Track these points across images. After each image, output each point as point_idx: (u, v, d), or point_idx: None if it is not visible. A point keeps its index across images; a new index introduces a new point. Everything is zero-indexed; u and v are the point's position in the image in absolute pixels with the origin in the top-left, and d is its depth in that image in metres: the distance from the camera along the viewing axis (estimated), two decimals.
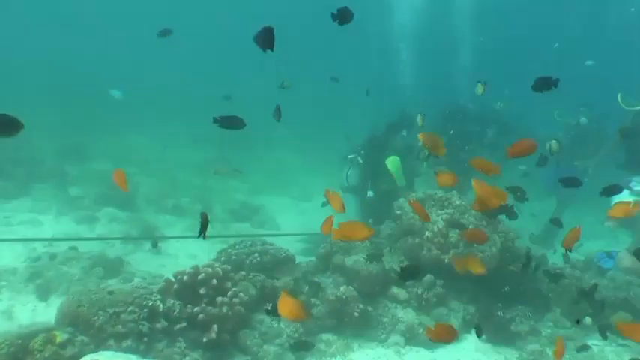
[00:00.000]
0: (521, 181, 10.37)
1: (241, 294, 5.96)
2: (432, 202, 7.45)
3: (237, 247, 7.32)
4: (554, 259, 9.27)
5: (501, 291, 7.05)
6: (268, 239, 7.83)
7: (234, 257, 7.11)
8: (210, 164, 15.55)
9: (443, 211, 7.15)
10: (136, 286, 5.81)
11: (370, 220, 9.23)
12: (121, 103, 12.66)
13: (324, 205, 8.18)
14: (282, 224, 11.97)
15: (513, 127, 10.95)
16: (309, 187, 14.57)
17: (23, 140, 12.80)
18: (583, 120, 11.36)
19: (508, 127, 11.03)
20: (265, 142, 18.01)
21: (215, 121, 4.64)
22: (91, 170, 13.65)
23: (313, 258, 7.77)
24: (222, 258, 7.19)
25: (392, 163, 9.40)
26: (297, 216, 12.83)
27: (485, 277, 6.44)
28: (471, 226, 6.94)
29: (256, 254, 7.07)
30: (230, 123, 4.74)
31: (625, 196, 8.55)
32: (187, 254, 9.22)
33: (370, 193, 9.54)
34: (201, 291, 5.83)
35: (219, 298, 5.81)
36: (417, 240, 7.04)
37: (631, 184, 9.07)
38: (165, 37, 7.97)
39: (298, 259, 8.87)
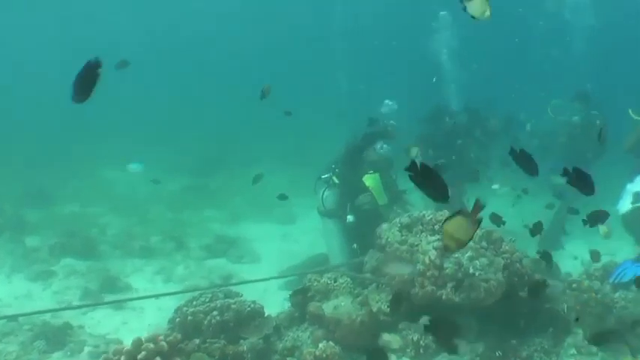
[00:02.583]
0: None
1: None
2: (421, 227, 6.30)
3: (194, 303, 6.16)
4: (566, 264, 8.64)
5: (513, 324, 5.93)
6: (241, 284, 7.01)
7: (190, 318, 5.95)
8: (186, 193, 14.64)
9: (434, 238, 5.96)
10: None
11: (355, 246, 8.22)
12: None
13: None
14: (263, 254, 10.91)
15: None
16: (293, 208, 13.52)
17: None
18: (575, 119, 10.96)
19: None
20: (245, 162, 17.21)
21: None
22: (55, 214, 12.81)
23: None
24: (178, 319, 6.04)
25: (371, 180, 8.37)
26: (280, 242, 11.81)
27: (493, 311, 5.66)
28: (469, 251, 5.79)
29: (215, 312, 5.89)
30: None
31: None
32: (155, 307, 8.09)
33: (350, 218, 8.38)
34: None
35: None
36: (405, 275, 5.86)
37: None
38: (122, 68, 7.41)
39: (281, 293, 8.11)
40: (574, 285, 6.93)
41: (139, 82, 24.54)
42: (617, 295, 6.62)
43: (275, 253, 10.89)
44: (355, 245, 8.20)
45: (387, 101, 9.93)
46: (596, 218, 5.33)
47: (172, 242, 11.12)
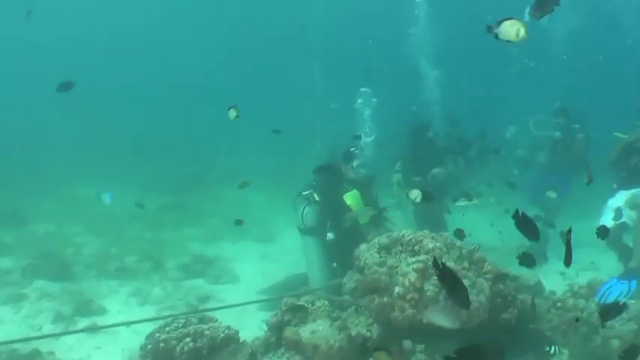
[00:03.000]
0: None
1: None
2: (400, 248, 6.08)
3: (167, 329, 5.92)
4: (549, 282, 8.21)
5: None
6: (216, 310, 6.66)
7: (162, 345, 5.71)
8: (164, 212, 14.40)
9: (414, 259, 5.75)
10: None
11: (334, 264, 8.02)
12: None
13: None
14: (241, 274, 10.68)
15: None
16: (272, 226, 13.37)
17: None
18: (557, 134, 10.98)
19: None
20: (223, 180, 17.01)
21: None
22: (30, 235, 12.52)
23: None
24: (150, 346, 5.79)
25: (351, 197, 8.17)
26: (259, 262, 11.54)
27: (477, 333, 5.38)
28: None
29: (188, 339, 5.66)
30: None
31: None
32: (130, 331, 7.76)
33: (330, 235, 8.17)
34: None
35: None
36: (385, 299, 5.63)
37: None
38: (66, 90, 7.09)
39: (260, 314, 7.86)
40: (559, 304, 6.78)
41: (115, 99, 24.42)
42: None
43: (254, 272, 10.67)
44: (335, 264, 8.01)
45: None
46: (526, 261, 5.23)
47: (149, 262, 10.87)
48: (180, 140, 20.64)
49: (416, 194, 7.22)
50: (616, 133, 9.19)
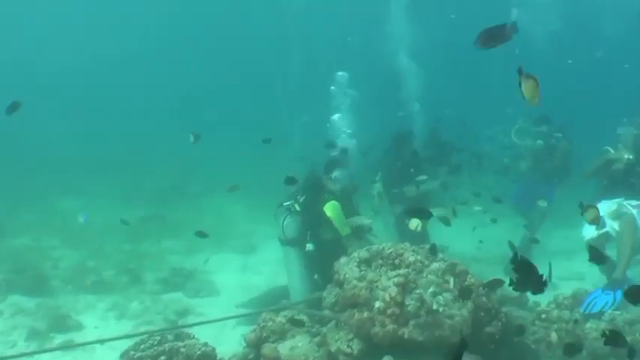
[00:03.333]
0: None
1: None
2: (381, 262, 5.92)
3: (142, 346, 5.75)
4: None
5: None
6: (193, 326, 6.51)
7: None
8: (144, 224, 14.19)
9: (395, 273, 5.60)
10: None
11: (316, 276, 7.88)
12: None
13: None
14: (221, 287, 10.49)
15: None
16: (252, 237, 13.23)
17: None
18: (539, 143, 10.89)
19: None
20: (203, 191, 16.90)
21: None
22: (6, 248, 12.19)
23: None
24: None
25: (331, 208, 8.01)
26: (239, 274, 11.37)
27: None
28: (432, 286, 5.46)
29: (163, 357, 5.49)
30: None
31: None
32: (107, 346, 7.50)
33: (309, 246, 8.03)
34: None
35: None
36: (365, 314, 5.47)
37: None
38: (13, 112, 6.81)
39: (239, 329, 7.77)
40: (543, 315, 6.70)
41: (94, 110, 24.21)
42: (588, 325, 6.36)
43: (234, 285, 10.50)
44: (316, 276, 7.87)
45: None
46: None
47: (127, 276, 10.69)
48: (160, 151, 20.43)
49: (416, 224, 7.18)
50: (606, 147, 9.11)
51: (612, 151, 8.96)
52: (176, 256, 12.41)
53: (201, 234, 8.19)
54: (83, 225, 13.46)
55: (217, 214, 15.34)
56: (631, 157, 8.79)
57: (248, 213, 15.24)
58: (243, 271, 11.53)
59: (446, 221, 8.32)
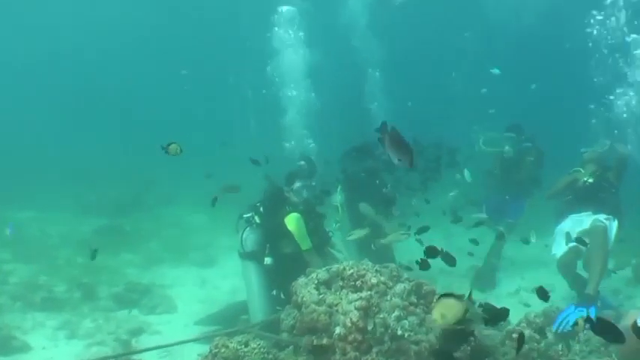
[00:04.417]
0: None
1: None
2: (341, 283, 5.55)
3: None
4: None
5: None
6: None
7: None
8: (100, 236, 13.72)
9: (356, 295, 5.23)
10: None
11: (274, 292, 7.60)
12: None
13: None
14: (179, 303, 10.07)
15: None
16: (212, 250, 12.94)
17: None
18: (508, 150, 10.71)
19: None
20: (162, 202, 16.50)
21: None
22: None
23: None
24: None
25: (292, 221, 7.66)
26: (198, 288, 11.02)
27: None
28: (396, 310, 5.10)
29: None
30: None
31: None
32: None
33: (267, 260, 7.68)
34: None
35: None
36: (324, 340, 5.09)
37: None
38: None
39: (197, 347, 7.20)
40: (514, 335, 6.37)
41: (49, 118, 23.72)
42: (560, 346, 6.07)
43: (192, 300, 10.17)
44: (275, 292, 7.61)
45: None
46: None
47: (80, 291, 10.21)
48: (118, 161, 19.97)
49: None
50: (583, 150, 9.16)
51: (582, 171, 8.95)
52: (133, 269, 12.04)
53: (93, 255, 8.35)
54: (37, 238, 13.06)
55: (176, 225, 14.98)
56: (591, 180, 8.76)
57: (209, 223, 14.86)
58: (202, 286, 11.17)
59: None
